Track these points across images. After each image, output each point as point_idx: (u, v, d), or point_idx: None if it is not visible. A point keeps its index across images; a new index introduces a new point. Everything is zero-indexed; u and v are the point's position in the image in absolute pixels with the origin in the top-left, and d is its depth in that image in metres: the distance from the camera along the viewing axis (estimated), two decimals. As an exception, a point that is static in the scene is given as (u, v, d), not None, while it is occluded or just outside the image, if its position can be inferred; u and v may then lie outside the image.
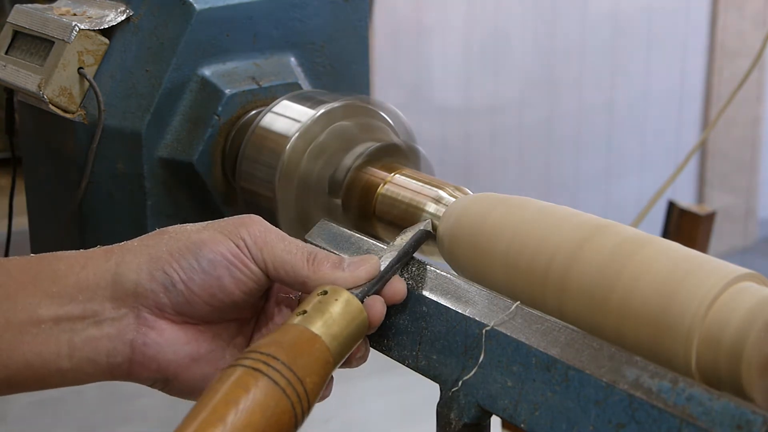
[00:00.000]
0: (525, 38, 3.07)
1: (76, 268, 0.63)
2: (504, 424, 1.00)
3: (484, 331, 0.62)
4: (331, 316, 0.62)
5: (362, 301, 0.64)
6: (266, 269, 0.64)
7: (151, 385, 0.65)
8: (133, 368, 0.64)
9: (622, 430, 0.54)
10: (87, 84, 0.91)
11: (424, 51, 2.94)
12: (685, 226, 1.74)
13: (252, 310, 0.68)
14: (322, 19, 0.98)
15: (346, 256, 0.66)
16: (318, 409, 0.95)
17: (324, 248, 0.73)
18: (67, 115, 0.91)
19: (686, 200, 2.60)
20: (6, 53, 0.97)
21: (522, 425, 0.59)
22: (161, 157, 0.92)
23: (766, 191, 3.66)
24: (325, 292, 0.63)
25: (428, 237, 0.72)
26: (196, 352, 0.65)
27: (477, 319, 0.62)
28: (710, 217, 1.74)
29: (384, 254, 0.68)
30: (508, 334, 0.60)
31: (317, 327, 0.61)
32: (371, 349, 0.69)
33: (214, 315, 0.65)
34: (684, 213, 1.75)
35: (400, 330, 0.67)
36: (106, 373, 0.64)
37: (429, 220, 0.74)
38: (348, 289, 0.64)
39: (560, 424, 0.57)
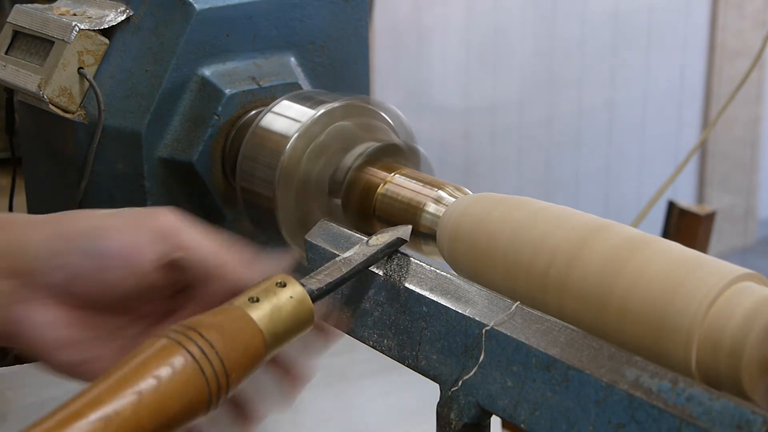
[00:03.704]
0: (525, 38, 3.07)
1: None
2: (504, 424, 1.00)
3: (484, 331, 0.62)
4: (280, 314, 0.60)
5: (318, 298, 0.63)
6: (177, 254, 0.63)
7: (35, 360, 0.64)
8: (12, 340, 0.63)
9: (621, 430, 0.54)
10: (87, 84, 0.91)
11: (424, 51, 2.94)
12: (685, 226, 1.74)
13: (150, 306, 0.66)
14: (322, 19, 0.98)
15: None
16: (318, 409, 0.94)
17: (324, 248, 0.73)
18: (67, 115, 0.91)
19: (686, 200, 2.60)
20: (6, 53, 0.97)
21: (522, 425, 0.59)
22: (161, 157, 0.92)
23: (766, 191, 3.66)
24: (284, 284, 0.61)
25: (402, 244, 0.71)
26: (69, 338, 0.63)
27: (477, 319, 0.62)
28: (710, 217, 1.74)
29: (354, 252, 0.68)
30: (508, 334, 0.60)
31: (264, 322, 0.59)
32: (371, 349, 0.69)
33: (103, 303, 0.63)
34: (684, 213, 1.75)
35: (400, 330, 0.67)
36: None
37: (409, 226, 0.73)
38: (305, 283, 0.63)
39: (560, 424, 0.57)
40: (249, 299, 0.60)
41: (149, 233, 0.63)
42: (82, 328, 0.64)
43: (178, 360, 0.55)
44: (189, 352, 0.55)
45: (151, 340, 0.56)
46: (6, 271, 0.62)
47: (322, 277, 0.64)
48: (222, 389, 0.57)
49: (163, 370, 0.54)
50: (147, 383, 0.54)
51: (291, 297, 0.61)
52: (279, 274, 0.62)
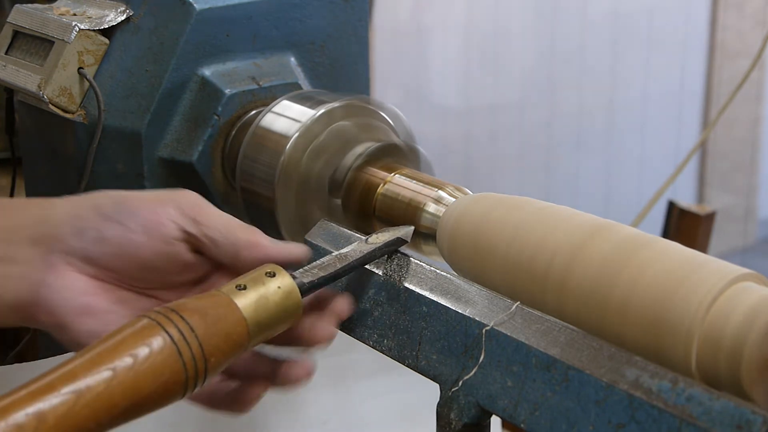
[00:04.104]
0: (525, 38, 3.07)
1: (9, 211, 0.65)
2: (504, 424, 1.00)
3: (484, 331, 0.62)
4: (266, 304, 0.60)
5: (308, 291, 0.63)
6: (197, 233, 0.64)
7: (53, 333, 0.65)
8: (35, 310, 0.64)
9: (621, 430, 0.54)
10: (87, 84, 0.91)
11: (424, 51, 2.94)
12: (685, 226, 1.74)
13: (175, 292, 0.67)
14: (322, 19, 0.98)
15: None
16: (317, 409, 0.94)
17: (324, 248, 0.73)
18: (67, 115, 0.91)
19: (686, 200, 2.60)
20: (6, 53, 0.97)
21: (522, 425, 0.59)
22: (161, 157, 0.92)
23: (766, 191, 3.66)
24: (273, 274, 0.61)
25: (402, 244, 0.71)
26: (90, 306, 0.64)
27: (477, 319, 0.62)
28: (710, 217, 1.74)
29: (351, 248, 0.68)
30: (508, 334, 0.60)
31: (249, 310, 0.59)
32: (371, 349, 0.69)
33: (123, 272, 0.64)
34: (684, 213, 1.75)
35: (400, 330, 0.67)
36: (13, 311, 0.64)
37: (411, 227, 0.73)
38: (297, 275, 0.63)
39: (560, 424, 0.57)
40: (236, 287, 0.60)
41: (171, 206, 0.64)
42: (105, 299, 0.64)
43: (157, 341, 0.56)
44: (168, 333, 0.56)
45: (132, 320, 0.57)
46: (30, 239, 0.64)
47: (315, 271, 0.64)
48: (200, 374, 0.57)
49: (140, 350, 0.55)
50: (123, 361, 0.54)
51: (279, 287, 0.61)
52: (270, 264, 0.63)
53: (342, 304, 0.67)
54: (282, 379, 0.65)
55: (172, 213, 0.64)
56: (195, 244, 0.65)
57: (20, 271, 0.63)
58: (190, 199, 0.65)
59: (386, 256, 0.70)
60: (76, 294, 0.63)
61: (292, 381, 0.65)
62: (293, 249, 0.66)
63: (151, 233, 0.64)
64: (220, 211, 0.66)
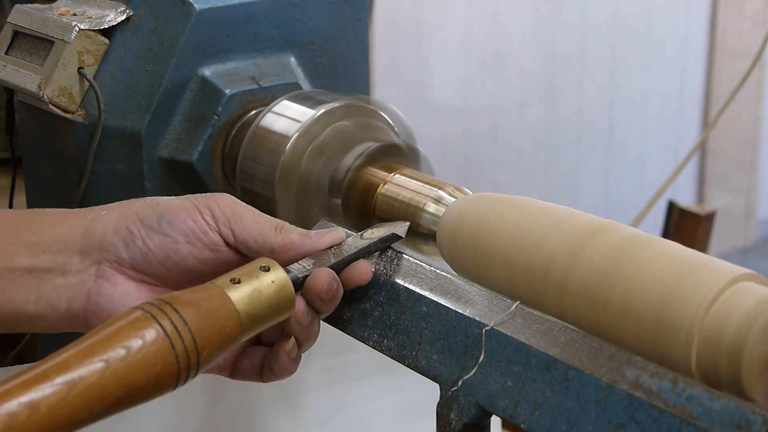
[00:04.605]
0: (525, 38, 3.07)
1: (57, 222, 0.66)
2: (504, 424, 1.00)
3: (484, 331, 0.62)
4: (260, 297, 0.61)
5: (300, 285, 0.64)
6: (233, 239, 0.66)
7: None
8: (88, 317, 0.65)
9: (621, 430, 0.54)
10: (87, 84, 0.91)
11: (424, 51, 2.94)
12: (685, 226, 1.74)
13: None
14: (322, 19, 0.98)
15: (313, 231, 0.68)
16: (317, 409, 0.94)
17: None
18: (67, 115, 0.91)
19: (686, 200, 2.60)
20: (6, 53, 0.97)
21: (522, 425, 0.59)
22: (161, 157, 0.92)
23: (766, 191, 3.66)
24: (267, 269, 0.62)
25: (397, 240, 0.71)
26: None
27: (477, 319, 0.62)
28: (710, 217, 1.74)
29: (347, 244, 0.68)
30: (508, 334, 0.60)
31: (242, 303, 0.60)
32: (371, 349, 0.69)
33: (171, 278, 0.66)
34: (684, 213, 1.75)
35: (399, 330, 0.67)
36: (66, 319, 0.66)
37: (407, 223, 0.73)
38: (291, 269, 0.64)
39: (560, 424, 0.57)
40: (230, 280, 0.61)
41: (207, 213, 0.66)
42: None
43: (150, 333, 0.56)
44: (161, 325, 0.57)
45: (126, 312, 0.58)
46: (80, 250, 0.65)
47: (309, 266, 0.65)
48: (192, 366, 0.57)
49: (133, 342, 0.56)
50: (116, 352, 0.55)
51: (273, 281, 0.62)
52: (264, 258, 0.63)
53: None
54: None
55: (210, 220, 0.66)
56: (234, 248, 0.67)
57: (73, 282, 0.65)
58: (224, 205, 0.67)
59: (380, 253, 0.70)
60: (132, 300, 0.65)
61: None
62: (326, 240, 0.67)
63: (194, 242, 0.66)
64: (255, 213, 0.67)
